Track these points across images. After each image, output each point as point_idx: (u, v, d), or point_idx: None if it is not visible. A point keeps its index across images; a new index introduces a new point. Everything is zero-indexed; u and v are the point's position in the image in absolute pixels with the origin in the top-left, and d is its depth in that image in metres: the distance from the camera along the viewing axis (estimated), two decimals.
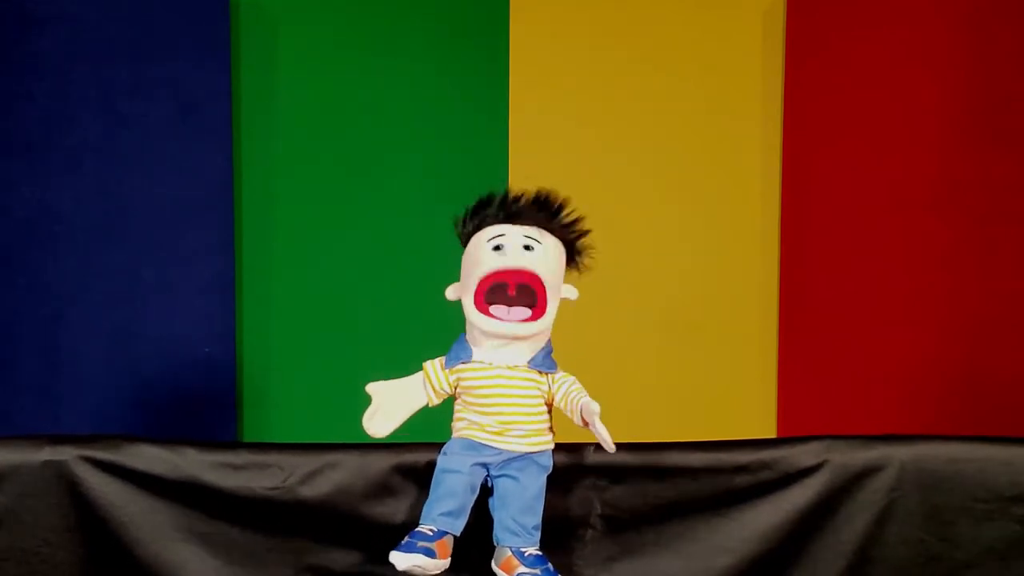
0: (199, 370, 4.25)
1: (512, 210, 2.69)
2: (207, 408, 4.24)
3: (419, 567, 2.48)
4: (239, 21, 4.29)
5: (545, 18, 4.41)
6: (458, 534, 2.55)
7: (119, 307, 4.21)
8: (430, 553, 2.48)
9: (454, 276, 4.26)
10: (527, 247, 2.65)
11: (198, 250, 4.24)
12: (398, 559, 2.48)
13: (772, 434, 4.36)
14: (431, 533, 2.52)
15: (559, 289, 2.69)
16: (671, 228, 4.44)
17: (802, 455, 2.74)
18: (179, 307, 4.24)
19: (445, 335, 3.93)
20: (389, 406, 2.70)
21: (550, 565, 2.53)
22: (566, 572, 2.70)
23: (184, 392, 4.24)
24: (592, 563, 2.74)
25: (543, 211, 2.70)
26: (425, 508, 2.57)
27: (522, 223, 2.68)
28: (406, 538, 2.52)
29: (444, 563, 2.51)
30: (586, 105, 4.44)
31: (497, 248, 2.66)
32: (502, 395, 2.64)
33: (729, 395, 4.45)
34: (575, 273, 2.75)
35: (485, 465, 2.62)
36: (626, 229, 4.35)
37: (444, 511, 2.55)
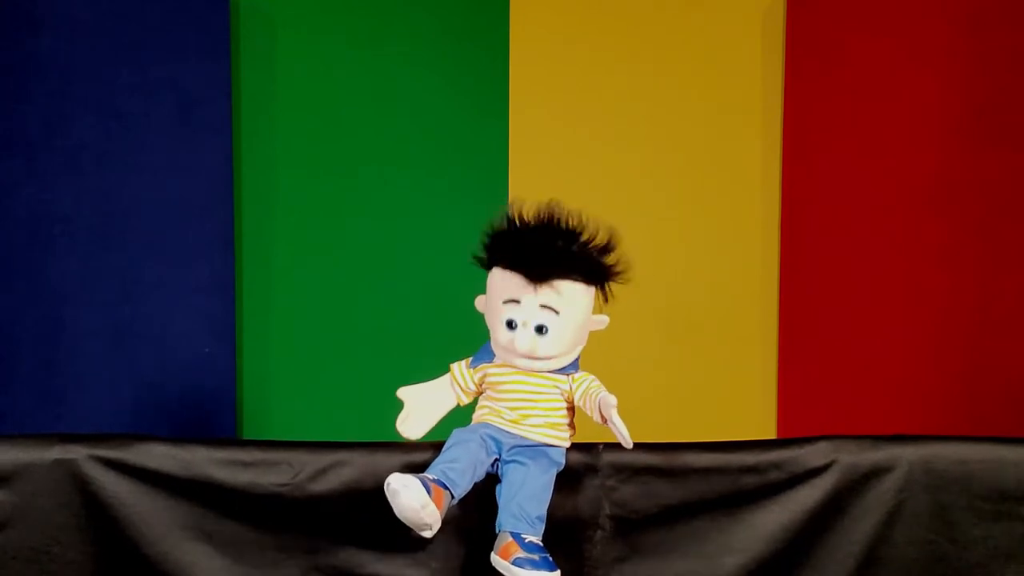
0: (199, 370, 4.25)
1: (533, 261, 2.63)
2: (207, 408, 4.24)
3: (409, 489, 2.43)
4: (239, 21, 4.29)
5: (545, 18, 4.41)
6: (455, 497, 2.53)
7: (119, 307, 4.21)
8: (427, 487, 2.45)
9: (453, 275, 4.27)
10: (540, 328, 2.63)
11: (198, 250, 4.24)
12: (394, 478, 2.45)
13: (772, 434, 4.37)
14: (431, 478, 2.50)
15: (583, 337, 2.71)
16: (671, 228, 4.44)
17: (810, 455, 2.74)
18: (179, 307, 4.24)
19: (445, 334, 3.95)
20: (420, 409, 2.75)
21: (549, 555, 2.51)
22: (575, 572, 2.70)
23: (184, 392, 4.23)
24: (601, 564, 2.73)
25: (569, 254, 2.65)
26: (431, 465, 2.57)
27: (544, 275, 2.62)
28: None
29: (435, 512, 2.46)
30: (586, 105, 4.44)
31: (510, 325, 2.64)
32: (523, 388, 2.67)
33: (729, 395, 4.46)
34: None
35: (498, 443, 2.63)
36: (625, 229, 4.34)
37: (448, 466, 2.54)
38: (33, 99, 4.13)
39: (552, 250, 2.63)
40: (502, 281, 2.66)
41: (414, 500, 2.44)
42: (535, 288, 2.62)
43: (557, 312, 2.63)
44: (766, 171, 4.44)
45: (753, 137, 4.45)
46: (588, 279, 2.67)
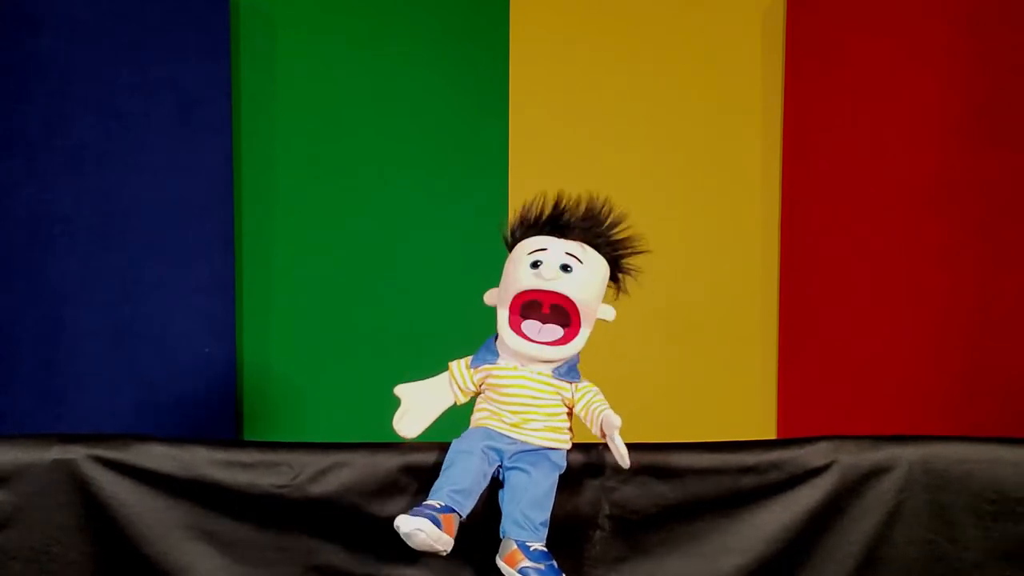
0: (199, 370, 4.25)
1: (559, 222, 2.66)
2: (207, 408, 4.24)
3: (422, 531, 2.43)
4: (239, 21, 4.29)
5: (545, 18, 4.41)
6: (464, 516, 2.53)
7: (119, 307, 4.20)
8: (436, 521, 2.45)
9: (454, 274, 4.29)
10: (565, 267, 2.62)
11: (198, 250, 4.24)
12: (403, 522, 2.45)
13: (772, 434, 4.37)
14: (439, 506, 2.50)
15: (595, 311, 2.69)
16: (671, 228, 4.44)
17: (810, 456, 2.74)
18: (179, 307, 4.23)
19: (444, 334, 3.94)
20: (418, 407, 2.73)
21: (554, 562, 2.52)
22: (574, 572, 2.69)
23: (184, 392, 4.23)
24: (600, 563, 2.73)
25: (592, 225, 2.68)
26: (435, 486, 2.56)
27: (568, 237, 2.65)
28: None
29: (448, 540, 2.47)
30: (586, 105, 4.44)
31: (535, 265, 2.63)
32: (523, 393, 2.65)
33: (729, 395, 4.46)
34: (614, 291, 2.73)
35: (499, 452, 2.62)
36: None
37: (453, 488, 2.53)
38: (33, 99, 4.12)
39: (576, 214, 2.68)
40: (528, 242, 2.68)
41: (428, 538, 2.45)
42: (562, 240, 2.65)
43: (581, 261, 2.64)
44: (766, 171, 4.44)
45: (753, 137, 4.45)
46: (605, 253, 2.69)
